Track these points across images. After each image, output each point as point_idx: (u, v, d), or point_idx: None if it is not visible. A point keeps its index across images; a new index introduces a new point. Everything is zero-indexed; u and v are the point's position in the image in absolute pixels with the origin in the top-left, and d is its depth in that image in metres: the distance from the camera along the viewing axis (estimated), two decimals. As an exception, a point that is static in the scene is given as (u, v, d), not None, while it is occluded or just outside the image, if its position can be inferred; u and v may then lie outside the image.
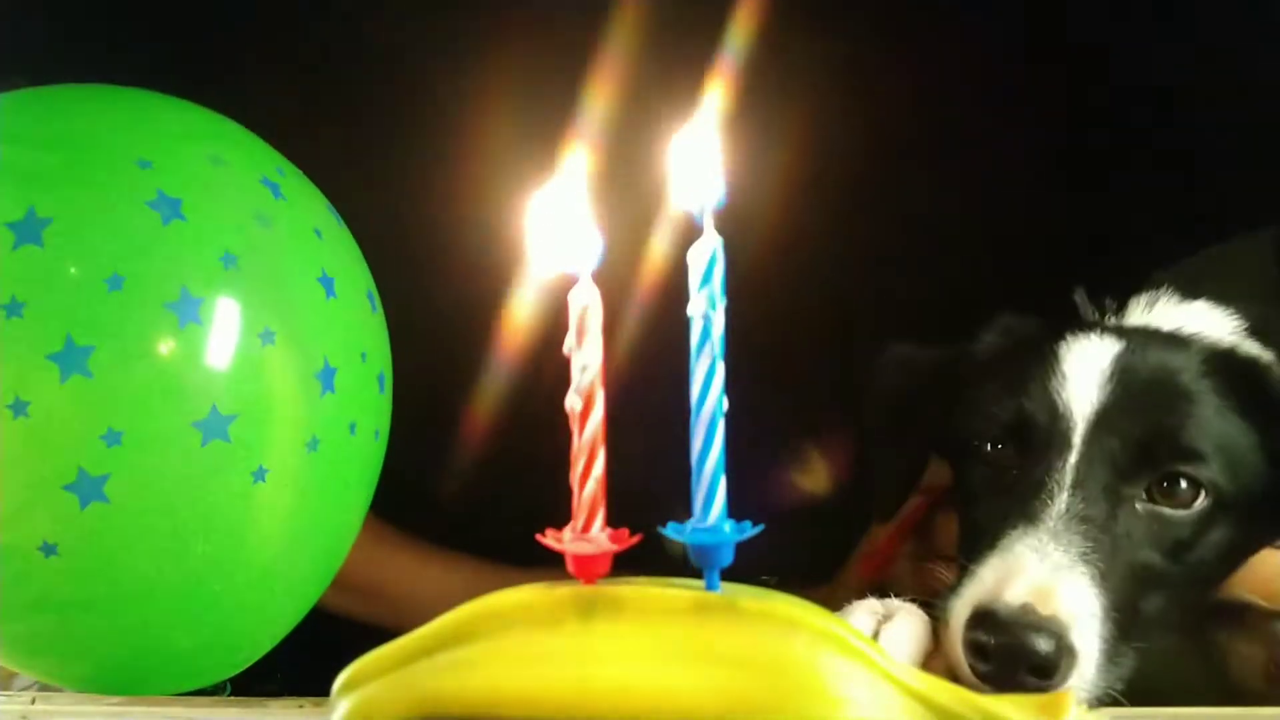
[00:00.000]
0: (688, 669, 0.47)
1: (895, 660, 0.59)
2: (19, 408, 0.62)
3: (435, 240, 0.95)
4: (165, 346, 0.65)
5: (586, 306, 0.49)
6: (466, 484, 0.98)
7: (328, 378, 0.70)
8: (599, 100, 0.89)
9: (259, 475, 0.67)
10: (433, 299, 0.93)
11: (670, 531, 0.48)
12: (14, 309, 0.62)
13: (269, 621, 0.73)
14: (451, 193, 0.95)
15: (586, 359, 0.49)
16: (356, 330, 0.74)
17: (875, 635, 0.65)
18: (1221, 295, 0.79)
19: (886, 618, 0.66)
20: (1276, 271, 0.83)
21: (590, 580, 0.49)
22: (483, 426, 0.96)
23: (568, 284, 0.49)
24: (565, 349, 0.49)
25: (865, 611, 0.67)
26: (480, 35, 0.94)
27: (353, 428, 0.72)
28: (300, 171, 0.76)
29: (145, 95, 0.74)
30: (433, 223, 0.95)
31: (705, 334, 0.47)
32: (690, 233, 0.48)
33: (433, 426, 0.95)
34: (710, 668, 0.47)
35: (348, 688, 0.51)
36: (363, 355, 0.73)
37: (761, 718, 0.46)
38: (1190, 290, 0.79)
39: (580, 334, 0.49)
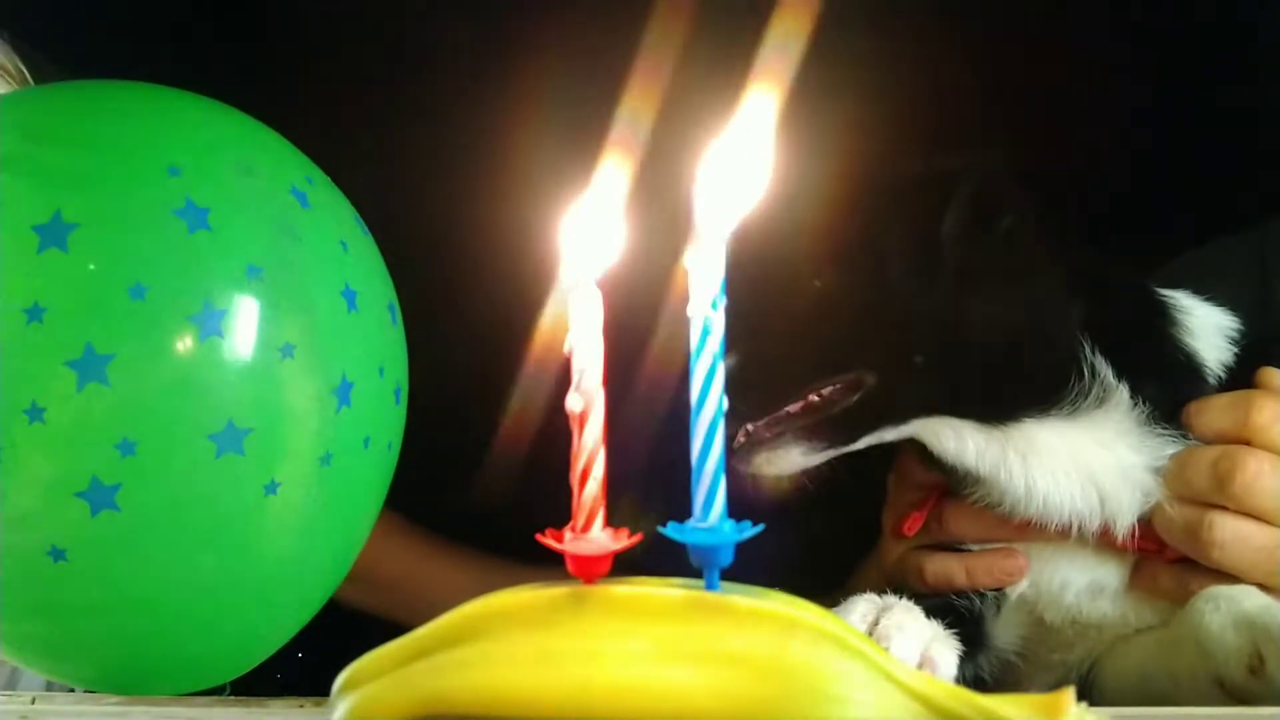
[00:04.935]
0: (687, 669, 0.47)
1: (896, 652, 0.61)
2: (35, 413, 0.62)
3: (462, 243, 0.95)
4: (185, 358, 0.64)
5: (587, 308, 0.49)
6: (492, 486, 0.98)
7: (345, 393, 0.70)
8: (635, 107, 0.89)
9: (270, 489, 0.67)
10: (459, 302, 0.93)
11: (670, 531, 0.48)
12: (35, 314, 0.62)
13: (273, 628, 0.73)
14: (481, 197, 0.95)
15: (587, 360, 0.49)
16: (376, 344, 0.74)
17: (876, 622, 0.66)
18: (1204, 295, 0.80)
19: (885, 609, 0.67)
20: (1258, 271, 0.84)
21: (590, 580, 0.49)
22: (512, 430, 0.95)
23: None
24: (566, 350, 0.49)
25: (865, 602, 0.68)
26: (515, 41, 0.95)
27: (366, 441, 0.72)
28: (329, 180, 0.76)
29: (177, 95, 0.73)
30: (458, 225, 0.95)
31: (705, 335, 0.47)
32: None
33: (463, 429, 0.95)
34: (710, 667, 0.47)
35: (348, 687, 0.51)
36: (380, 370, 0.73)
37: (761, 717, 0.46)
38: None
39: (581, 335, 0.49)
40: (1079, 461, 0.74)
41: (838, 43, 0.86)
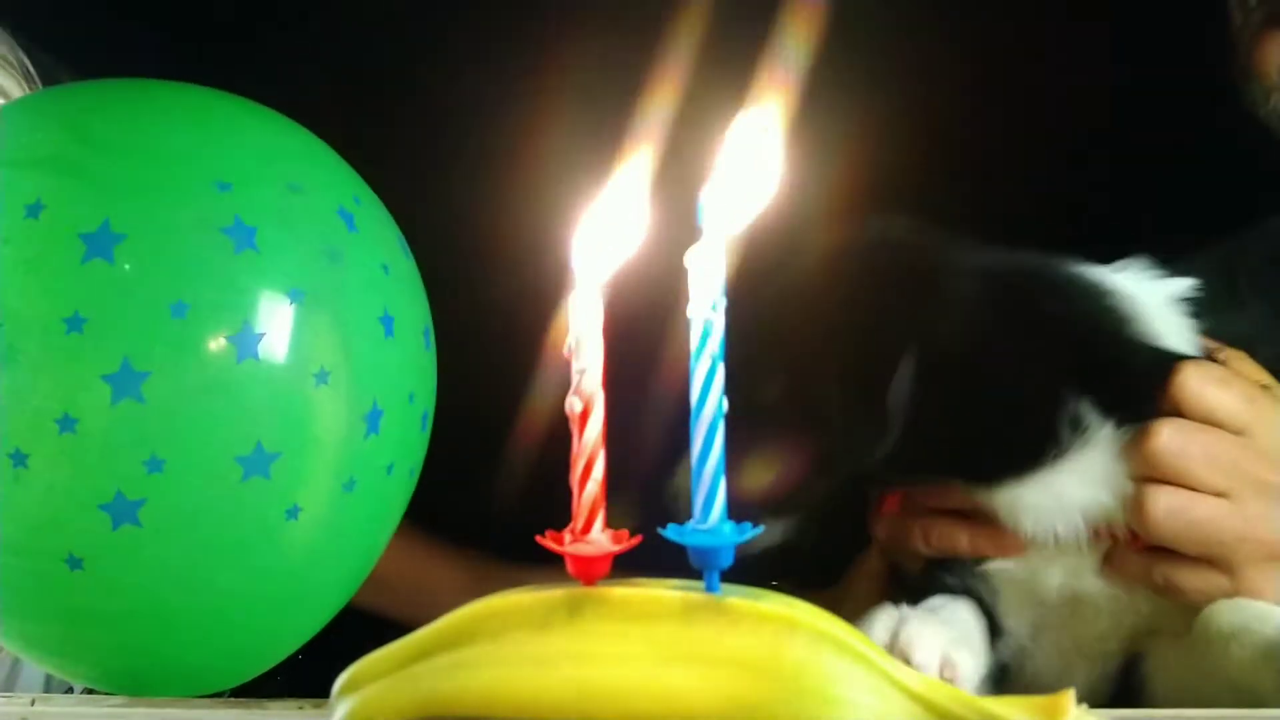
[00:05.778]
0: (687, 670, 0.47)
1: (917, 662, 0.61)
2: (67, 423, 0.62)
3: (472, 246, 0.96)
4: (220, 379, 0.64)
5: (587, 308, 0.49)
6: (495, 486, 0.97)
7: (374, 420, 0.70)
8: (652, 107, 0.90)
9: (292, 513, 0.67)
10: (466, 306, 0.94)
11: (670, 533, 0.48)
12: (75, 324, 0.62)
13: (282, 641, 0.74)
14: (496, 198, 0.97)
15: (586, 361, 0.49)
16: (408, 371, 0.73)
17: (896, 635, 0.66)
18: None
19: (904, 620, 0.67)
20: (1227, 281, 0.82)
21: (590, 581, 0.49)
22: (526, 433, 0.95)
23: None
24: (565, 351, 0.49)
25: (885, 616, 0.68)
26: (529, 43, 0.97)
27: (390, 468, 0.72)
28: (376, 198, 0.75)
29: (231, 102, 0.73)
30: (468, 230, 0.96)
31: (705, 336, 0.48)
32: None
33: (474, 437, 0.94)
34: (709, 669, 0.47)
35: (348, 689, 0.51)
36: (410, 396, 0.73)
37: (760, 719, 0.45)
38: None
39: (580, 336, 0.49)
40: (1065, 503, 0.73)
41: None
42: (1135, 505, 0.71)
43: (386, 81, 0.98)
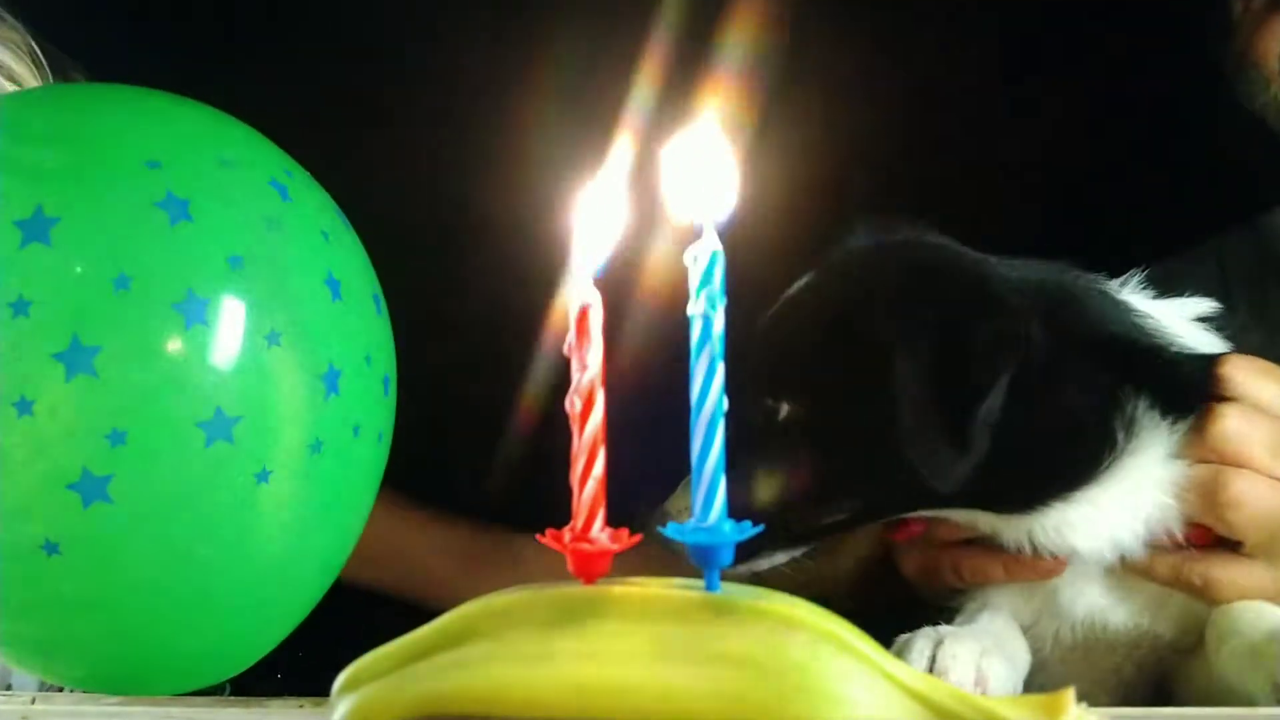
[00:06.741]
0: (687, 669, 0.47)
1: (954, 680, 0.62)
2: (24, 406, 0.62)
3: (464, 234, 0.96)
4: (171, 347, 0.65)
5: (586, 307, 0.49)
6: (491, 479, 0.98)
7: (332, 380, 0.70)
8: (635, 98, 0.89)
9: (262, 477, 0.67)
10: (459, 294, 0.93)
11: (670, 531, 0.48)
12: (20, 307, 0.63)
13: (271, 622, 0.73)
14: (484, 187, 0.95)
15: (586, 359, 0.49)
16: (362, 333, 0.74)
17: (932, 658, 0.66)
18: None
19: (939, 641, 0.67)
20: (1218, 279, 0.83)
21: (590, 580, 0.49)
22: (516, 424, 0.95)
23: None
24: (565, 349, 0.49)
25: (922, 638, 0.67)
26: (513, 31, 0.95)
27: (356, 430, 0.72)
28: (308, 174, 0.76)
29: (154, 94, 0.74)
30: (462, 217, 0.95)
31: (705, 334, 0.47)
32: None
33: (461, 423, 0.94)
34: (710, 667, 0.47)
35: (348, 688, 0.51)
36: (367, 358, 0.73)
37: (760, 718, 0.46)
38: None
39: (580, 334, 0.49)
40: (1113, 515, 0.71)
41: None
42: (1210, 488, 0.70)
43: (379, 71, 0.95)
